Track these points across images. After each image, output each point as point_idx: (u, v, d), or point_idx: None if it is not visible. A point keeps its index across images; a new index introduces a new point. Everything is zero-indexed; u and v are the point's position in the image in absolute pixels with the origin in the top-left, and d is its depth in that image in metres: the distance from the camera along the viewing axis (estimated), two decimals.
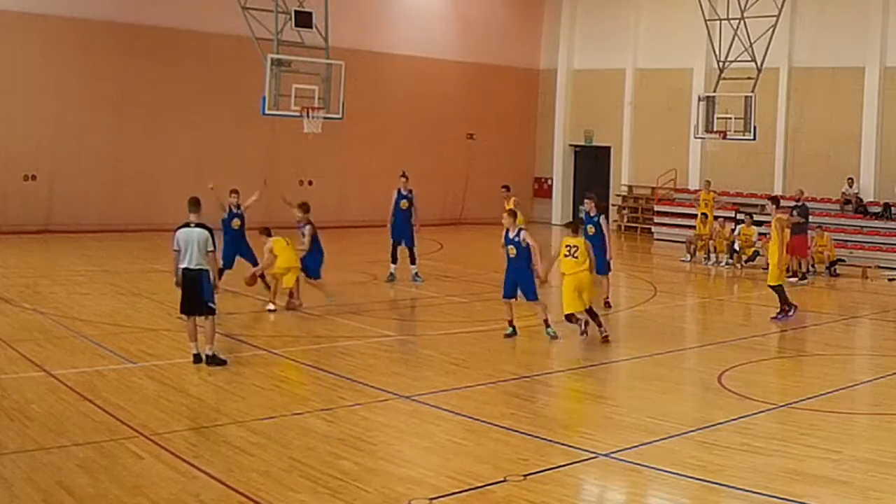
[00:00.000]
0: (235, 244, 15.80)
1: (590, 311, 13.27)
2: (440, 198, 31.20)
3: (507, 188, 18.66)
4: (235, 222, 15.85)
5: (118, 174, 24.96)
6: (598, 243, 14.88)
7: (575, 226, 13.70)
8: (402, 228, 18.21)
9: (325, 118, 19.96)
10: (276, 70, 19.30)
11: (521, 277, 13.24)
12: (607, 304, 16.11)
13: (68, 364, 11.03)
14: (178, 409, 9.50)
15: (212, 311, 11.34)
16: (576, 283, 12.98)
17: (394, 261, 18.21)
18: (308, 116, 19.65)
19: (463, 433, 8.96)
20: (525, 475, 7.68)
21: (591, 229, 15.39)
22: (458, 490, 7.33)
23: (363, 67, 25.89)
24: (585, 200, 16.08)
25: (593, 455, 8.29)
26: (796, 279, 20.47)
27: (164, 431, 8.56)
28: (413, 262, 18.26)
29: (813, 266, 21.46)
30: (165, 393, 10.00)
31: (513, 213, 13.49)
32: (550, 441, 8.67)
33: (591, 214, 15.86)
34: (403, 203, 18.21)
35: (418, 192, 18.52)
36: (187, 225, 11.24)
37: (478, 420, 9.29)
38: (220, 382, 10.58)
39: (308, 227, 15.11)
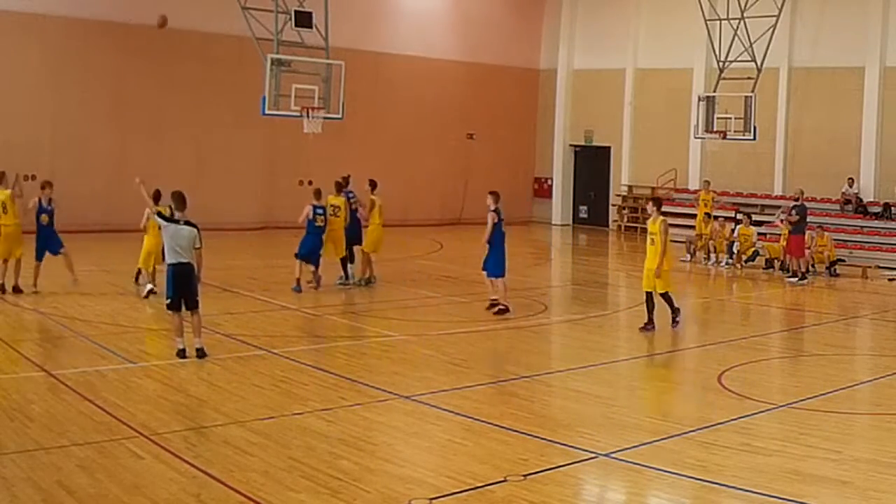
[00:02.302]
0: (44, 240, 15.79)
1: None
2: (440, 198, 31.23)
3: (374, 184, 18.01)
4: (43, 217, 15.80)
5: (118, 174, 24.82)
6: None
7: (338, 185, 17.26)
8: (348, 229, 17.83)
9: (325, 118, 19.95)
10: (276, 70, 19.30)
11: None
12: (498, 310, 15.07)
13: (68, 364, 11.04)
14: (178, 409, 9.50)
15: (197, 305, 11.53)
16: (334, 238, 17.12)
17: (350, 260, 18.07)
18: (308, 116, 19.65)
19: (463, 433, 8.95)
20: (525, 475, 7.67)
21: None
22: (458, 490, 7.33)
23: (363, 67, 25.88)
24: (489, 195, 15.31)
25: (593, 455, 8.28)
26: (796, 279, 20.50)
27: (164, 431, 8.55)
28: (350, 261, 17.95)
29: (813, 266, 21.46)
30: (165, 393, 10.00)
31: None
32: (550, 441, 8.66)
33: (491, 209, 15.06)
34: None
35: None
36: (175, 222, 11.34)
37: (478, 420, 9.29)
38: (220, 382, 10.58)
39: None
